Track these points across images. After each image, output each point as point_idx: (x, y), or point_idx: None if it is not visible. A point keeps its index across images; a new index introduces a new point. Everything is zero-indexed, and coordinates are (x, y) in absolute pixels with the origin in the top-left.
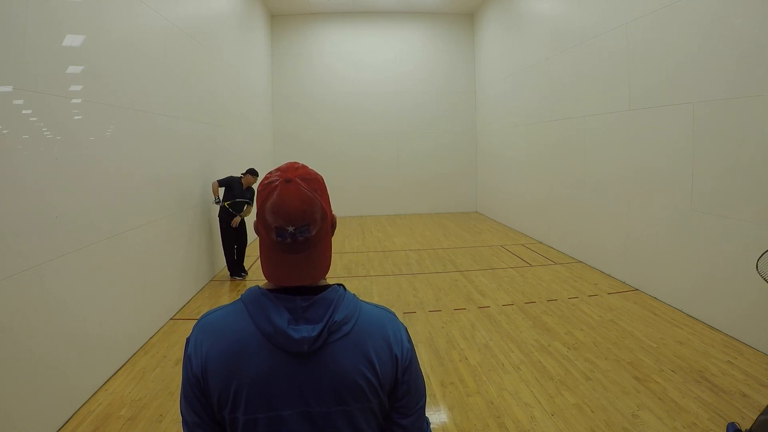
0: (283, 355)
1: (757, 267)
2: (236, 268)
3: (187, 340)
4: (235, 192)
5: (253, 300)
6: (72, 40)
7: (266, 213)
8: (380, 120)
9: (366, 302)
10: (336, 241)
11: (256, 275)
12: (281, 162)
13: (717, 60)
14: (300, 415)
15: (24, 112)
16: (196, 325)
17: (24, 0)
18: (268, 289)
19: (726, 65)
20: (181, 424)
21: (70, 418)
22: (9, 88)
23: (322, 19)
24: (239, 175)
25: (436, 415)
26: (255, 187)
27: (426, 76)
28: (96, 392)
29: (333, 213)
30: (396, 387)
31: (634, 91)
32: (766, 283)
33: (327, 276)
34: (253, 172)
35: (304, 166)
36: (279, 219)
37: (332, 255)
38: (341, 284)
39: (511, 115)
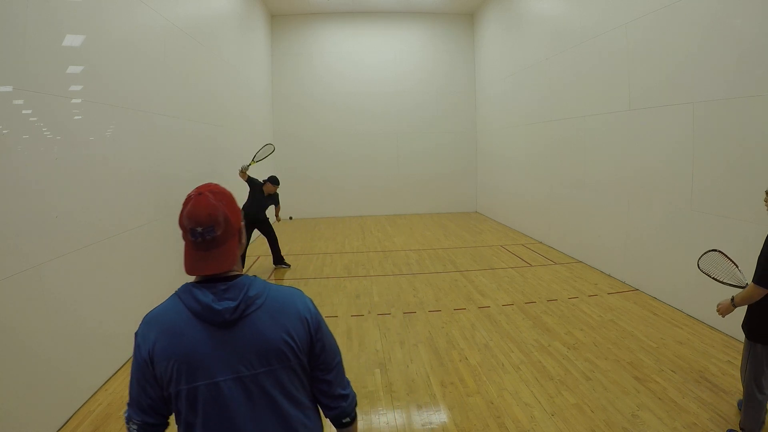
0: (211, 329)
1: (698, 266)
2: (279, 258)
3: (136, 333)
4: (256, 196)
5: (184, 290)
6: (72, 40)
7: (183, 218)
8: (380, 120)
9: (275, 284)
10: (336, 241)
11: (259, 270)
12: (281, 163)
13: (717, 60)
14: (233, 380)
15: (24, 112)
16: (142, 321)
17: (24, 0)
18: (195, 281)
19: (726, 65)
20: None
21: (70, 418)
22: (9, 88)
23: (322, 19)
24: (261, 182)
25: (436, 415)
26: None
27: (426, 76)
28: (96, 392)
29: (241, 222)
30: (312, 345)
31: (634, 91)
32: (709, 278)
33: (328, 276)
34: (273, 180)
35: (216, 185)
36: (191, 222)
37: (335, 255)
38: (254, 275)
39: (511, 115)
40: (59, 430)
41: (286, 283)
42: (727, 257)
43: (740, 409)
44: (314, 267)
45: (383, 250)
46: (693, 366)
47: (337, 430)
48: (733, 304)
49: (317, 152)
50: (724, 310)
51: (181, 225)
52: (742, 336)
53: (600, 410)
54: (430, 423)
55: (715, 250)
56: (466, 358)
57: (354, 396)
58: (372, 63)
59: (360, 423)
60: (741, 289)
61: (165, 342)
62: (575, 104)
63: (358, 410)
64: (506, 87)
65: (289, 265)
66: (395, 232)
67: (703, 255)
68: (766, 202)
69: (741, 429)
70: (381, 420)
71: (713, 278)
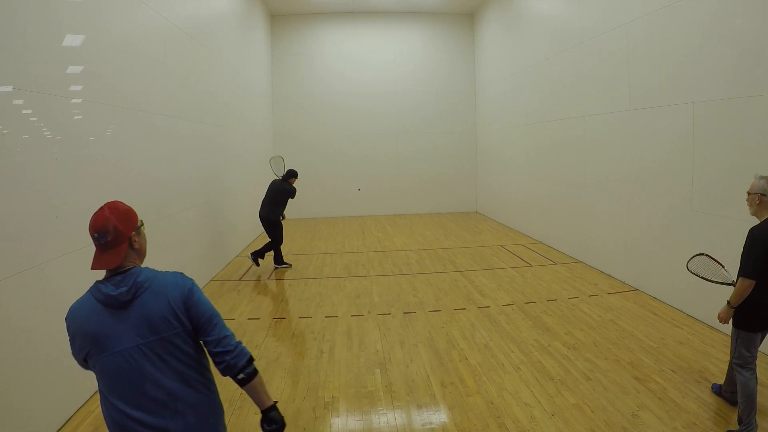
0: (113, 311)
1: (687, 267)
2: (280, 258)
3: (66, 318)
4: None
5: (93, 287)
6: (72, 40)
7: (89, 226)
8: (380, 120)
9: (160, 271)
10: (336, 240)
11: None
12: None
13: (717, 60)
14: (133, 349)
15: (24, 112)
16: (68, 311)
17: (24, 0)
18: (102, 279)
19: (726, 65)
20: None
21: (70, 418)
22: (9, 88)
23: (322, 19)
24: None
25: (436, 415)
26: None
27: (426, 76)
28: (96, 392)
29: (136, 236)
30: (189, 310)
31: (634, 91)
32: (698, 278)
33: (328, 276)
34: (292, 173)
35: (117, 203)
36: (90, 229)
37: (335, 255)
38: (145, 266)
39: (511, 115)
40: (59, 429)
41: (285, 282)
42: (715, 260)
43: (715, 393)
44: (314, 267)
45: (383, 250)
46: (693, 366)
47: (242, 389)
48: (730, 305)
49: (317, 152)
50: (724, 315)
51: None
52: None
53: (600, 410)
54: (430, 423)
55: (703, 254)
56: (466, 358)
57: (241, 352)
58: (372, 63)
59: (360, 423)
60: (730, 286)
61: (82, 327)
62: (575, 104)
63: (357, 410)
64: (506, 87)
65: (289, 265)
66: (395, 232)
67: (691, 258)
68: (747, 201)
69: (739, 420)
70: (381, 420)
71: (702, 278)
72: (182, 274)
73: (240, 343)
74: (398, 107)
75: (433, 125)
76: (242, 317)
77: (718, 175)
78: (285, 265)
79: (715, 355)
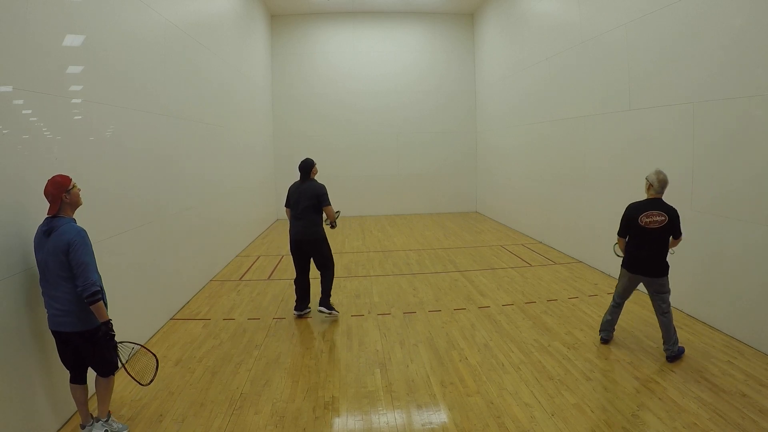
0: (44, 237)
1: (615, 252)
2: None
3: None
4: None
5: (42, 222)
6: (72, 40)
7: None
8: (380, 119)
9: (73, 225)
10: (336, 241)
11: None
12: (281, 161)
13: (717, 60)
14: (45, 256)
15: (24, 112)
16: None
17: (24, 0)
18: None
19: (725, 65)
20: (178, 423)
21: (70, 418)
22: (9, 88)
23: (322, 19)
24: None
25: (436, 415)
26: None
27: (426, 76)
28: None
29: (67, 195)
30: (67, 254)
31: (634, 91)
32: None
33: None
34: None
35: (55, 176)
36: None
37: (335, 255)
38: (67, 217)
39: (510, 115)
40: (60, 429)
41: (285, 282)
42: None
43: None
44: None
45: (383, 250)
46: (693, 366)
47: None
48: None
49: (317, 152)
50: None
51: None
52: (741, 337)
53: (600, 410)
54: (430, 423)
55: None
56: (466, 358)
57: (86, 288)
58: (372, 63)
59: (360, 423)
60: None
61: (34, 242)
62: (575, 104)
63: (357, 410)
64: (506, 87)
65: (338, 312)
66: (395, 232)
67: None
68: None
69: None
70: (381, 420)
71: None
72: (79, 231)
73: (92, 283)
74: (398, 107)
75: (432, 125)
76: (242, 317)
77: (718, 175)
78: (333, 312)
79: (715, 355)
